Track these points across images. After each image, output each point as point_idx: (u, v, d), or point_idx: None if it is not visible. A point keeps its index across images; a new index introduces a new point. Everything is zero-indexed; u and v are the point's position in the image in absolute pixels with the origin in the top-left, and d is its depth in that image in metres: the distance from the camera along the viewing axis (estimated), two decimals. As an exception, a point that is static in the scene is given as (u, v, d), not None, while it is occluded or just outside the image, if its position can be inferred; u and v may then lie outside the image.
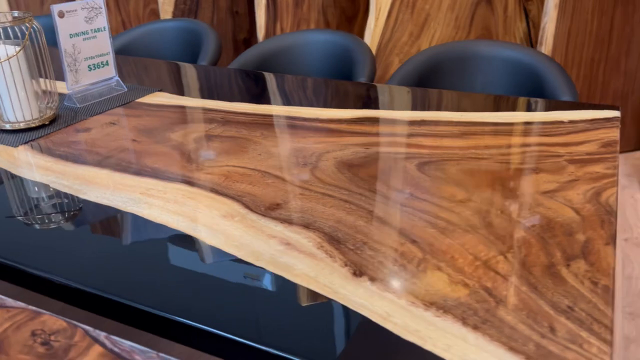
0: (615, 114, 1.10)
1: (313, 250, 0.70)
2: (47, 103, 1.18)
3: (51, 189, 0.89)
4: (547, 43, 2.19)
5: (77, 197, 0.86)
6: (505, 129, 1.04)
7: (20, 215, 0.82)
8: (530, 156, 0.93)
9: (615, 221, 0.74)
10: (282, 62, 1.83)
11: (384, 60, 2.45)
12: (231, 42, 3.20)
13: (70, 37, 1.21)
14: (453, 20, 2.42)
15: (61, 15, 1.18)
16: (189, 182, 0.89)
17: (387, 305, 0.60)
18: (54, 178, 0.92)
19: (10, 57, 1.06)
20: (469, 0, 2.40)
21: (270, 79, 1.43)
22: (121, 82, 1.34)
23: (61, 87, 1.33)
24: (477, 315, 0.58)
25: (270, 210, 0.80)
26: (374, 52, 2.41)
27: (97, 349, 0.56)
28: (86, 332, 0.58)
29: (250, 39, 3.28)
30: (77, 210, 0.83)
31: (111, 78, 1.32)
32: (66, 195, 0.87)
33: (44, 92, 1.17)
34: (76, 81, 1.24)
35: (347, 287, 0.64)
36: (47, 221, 0.80)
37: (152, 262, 0.70)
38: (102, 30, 1.27)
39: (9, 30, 1.09)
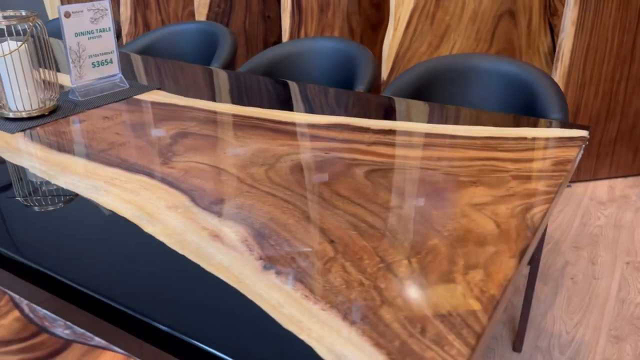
0: (583, 133, 1.10)
1: (236, 244, 0.76)
2: (48, 95, 1.28)
3: (28, 173, 0.98)
4: (563, 59, 2.16)
5: (47, 181, 0.95)
6: (464, 142, 1.07)
7: (-3, 195, 0.91)
8: (477, 170, 0.95)
9: (533, 237, 0.76)
10: (290, 66, 1.89)
11: (402, 70, 2.48)
12: (262, 45, 3.30)
13: (76, 36, 1.32)
14: (474, 33, 2.42)
15: (67, 15, 1.29)
16: (151, 175, 0.96)
17: (281, 297, 0.65)
18: (36, 163, 1.02)
19: (12, 51, 1.17)
20: (492, 13, 2.39)
21: (265, 83, 1.49)
22: (124, 79, 1.43)
23: (67, 81, 1.44)
24: (359, 312, 0.62)
25: (213, 204, 0.86)
26: (391, 61, 2.44)
27: (15, 313, 0.64)
28: (11, 299, 0.65)
29: (280, 42, 3.37)
30: (42, 192, 0.91)
31: (114, 75, 1.42)
32: (39, 179, 0.96)
33: (47, 84, 1.28)
34: (80, 76, 1.35)
35: (252, 278, 0.69)
36: (9, 198, 0.89)
37: (90, 242, 0.77)
38: (107, 31, 1.37)
39: (19, 27, 1.20)
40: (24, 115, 1.23)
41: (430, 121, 1.17)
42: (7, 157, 1.04)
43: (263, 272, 0.70)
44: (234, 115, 1.23)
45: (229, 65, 1.96)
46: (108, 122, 1.21)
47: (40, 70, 1.26)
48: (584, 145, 1.06)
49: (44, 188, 0.92)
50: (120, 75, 1.43)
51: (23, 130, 1.17)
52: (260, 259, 0.72)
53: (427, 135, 1.10)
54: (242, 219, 0.82)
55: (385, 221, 0.81)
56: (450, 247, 0.74)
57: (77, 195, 0.90)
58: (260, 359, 0.56)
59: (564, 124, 1.15)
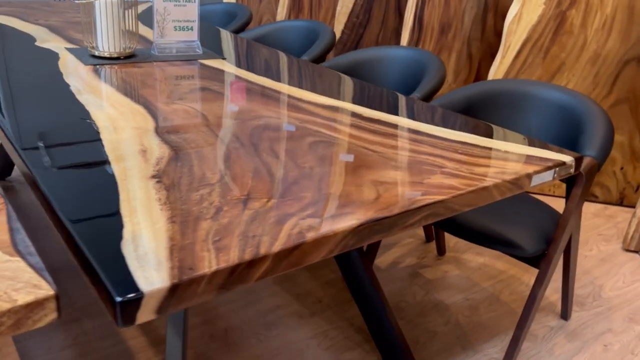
0: (564, 158, 1.03)
1: (150, 158, 0.89)
2: (129, 44, 1.55)
3: (70, 89, 1.22)
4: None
5: (74, 96, 1.18)
6: (432, 141, 1.07)
7: (19, 90, 1.16)
8: (413, 160, 0.96)
9: (385, 214, 0.77)
10: (367, 69, 1.98)
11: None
12: (392, 60, 3.40)
13: (163, 1, 1.57)
14: (592, 76, 2.25)
15: (159, -18, 1.55)
16: (147, 107, 1.14)
17: (141, 194, 0.77)
18: (78, 83, 1.26)
19: None
20: (617, 57, 2.20)
21: (320, 71, 1.61)
22: (200, 46, 1.66)
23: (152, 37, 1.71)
24: (184, 218, 0.71)
25: (167, 132, 1.00)
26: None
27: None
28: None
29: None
30: (59, 97, 1.14)
31: (192, 41, 1.65)
32: (70, 94, 1.19)
33: (130, 34, 1.55)
34: (161, 35, 1.60)
35: (136, 178, 0.81)
36: (28, 100, 1.13)
37: (61, 128, 0.96)
38: (192, 2, 1.61)
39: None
40: (105, 54, 1.50)
41: (423, 120, 1.19)
42: (64, 78, 1.31)
43: (148, 180, 0.82)
44: (262, 87, 1.37)
45: (317, 60, 2.10)
46: (157, 72, 1.42)
47: (127, 21, 1.53)
48: (556, 169, 1.00)
49: (68, 101, 1.15)
50: (198, 42, 1.66)
51: (95, 65, 1.44)
52: (154, 172, 0.85)
53: (408, 130, 1.12)
54: (176, 145, 0.95)
55: (286, 174, 0.87)
56: (310, 200, 0.79)
57: (84, 109, 1.11)
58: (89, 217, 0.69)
59: (555, 148, 1.08)
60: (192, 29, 1.64)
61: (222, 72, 1.48)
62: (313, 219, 0.74)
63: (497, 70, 2.33)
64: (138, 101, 1.16)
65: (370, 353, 1.43)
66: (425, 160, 0.97)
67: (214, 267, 0.62)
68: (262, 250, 0.66)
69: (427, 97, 1.70)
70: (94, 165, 0.85)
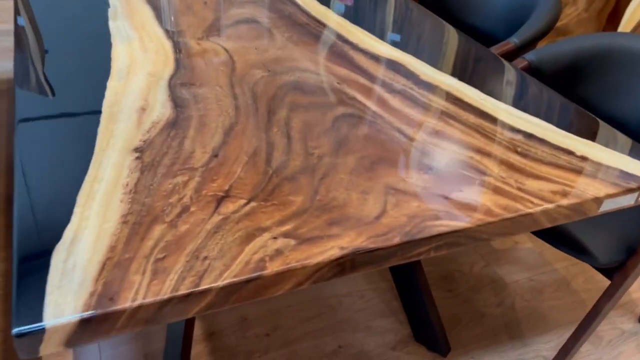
0: (661, 178, 0.78)
1: (145, 121, 0.79)
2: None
3: (107, 11, 1.13)
4: None
5: (107, 21, 1.08)
6: (492, 128, 0.86)
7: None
8: (450, 158, 0.78)
9: (387, 246, 0.62)
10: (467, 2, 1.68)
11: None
12: None
13: None
14: None
15: None
16: (175, 43, 1.02)
17: (111, 169, 0.68)
18: (118, 6, 1.16)
19: None
20: None
21: (413, 10, 1.37)
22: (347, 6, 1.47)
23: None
24: (135, 211, 0.62)
25: (181, 84, 0.89)
26: (631, 26, 1.95)
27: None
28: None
29: None
30: (92, 24, 1.05)
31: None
32: (104, 17, 1.10)
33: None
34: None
35: (118, 143, 0.72)
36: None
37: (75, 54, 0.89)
38: None
39: None
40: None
41: (495, 93, 0.97)
42: (112, -6, 1.22)
43: (128, 153, 0.73)
44: (337, 36, 1.19)
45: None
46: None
47: None
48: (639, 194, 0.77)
49: (96, 19, 1.07)
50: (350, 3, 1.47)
51: (149, -22, 1.33)
52: (140, 143, 0.75)
53: (467, 106, 0.92)
54: (181, 105, 0.84)
55: (286, 163, 0.74)
56: (296, 209, 0.66)
57: (109, 41, 1.02)
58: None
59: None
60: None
61: (306, 15, 1.31)
62: (287, 239, 0.62)
63: (636, 11, 1.90)
64: (171, 35, 1.05)
65: (404, 324, 1.34)
66: (468, 161, 0.78)
67: (139, 301, 0.53)
68: (206, 282, 0.56)
69: (528, 44, 1.41)
70: (80, 120, 0.77)
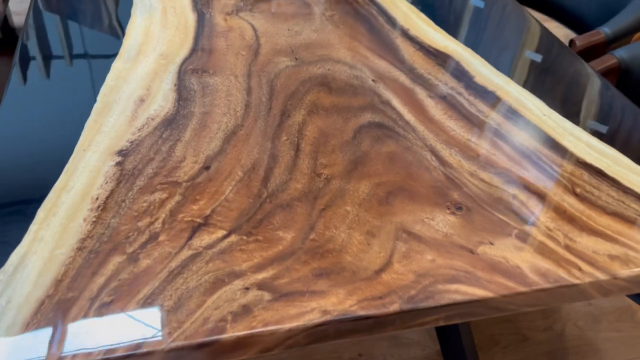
0: None
1: (142, 118, 0.70)
2: None
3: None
4: None
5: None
6: (538, 149, 0.70)
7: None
8: (488, 194, 0.63)
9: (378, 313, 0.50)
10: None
11: None
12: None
13: None
14: None
15: None
16: (200, 17, 0.91)
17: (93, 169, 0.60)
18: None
19: None
20: None
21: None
22: None
23: None
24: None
25: (192, 70, 0.79)
26: None
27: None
28: None
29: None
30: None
31: None
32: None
33: None
34: None
35: (114, 129, 0.64)
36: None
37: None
38: None
39: None
40: None
41: (562, 111, 0.79)
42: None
43: (109, 157, 0.64)
44: (387, 17, 1.04)
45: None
46: None
47: None
48: None
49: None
50: None
51: None
52: (126, 145, 0.66)
53: (521, 124, 0.75)
54: (185, 97, 0.74)
55: (284, 185, 0.63)
56: (282, 249, 0.55)
57: (128, 11, 0.92)
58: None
59: None
60: None
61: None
62: (261, 292, 0.52)
63: None
64: (199, 6, 0.94)
65: (434, 339, 1.22)
66: (509, 200, 0.63)
67: (66, 360, 0.45)
68: (149, 343, 0.47)
69: (621, 37, 1.19)
70: (69, 109, 0.69)
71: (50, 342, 0.46)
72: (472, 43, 0.94)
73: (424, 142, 0.71)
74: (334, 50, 0.87)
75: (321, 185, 0.63)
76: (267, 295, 0.51)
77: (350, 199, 0.62)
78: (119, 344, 0.46)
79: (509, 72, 0.86)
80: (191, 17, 0.91)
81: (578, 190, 0.66)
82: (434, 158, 0.69)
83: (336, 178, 0.64)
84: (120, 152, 0.64)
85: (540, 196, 0.65)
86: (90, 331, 0.47)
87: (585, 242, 0.60)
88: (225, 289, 0.51)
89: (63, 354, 0.45)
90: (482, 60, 0.88)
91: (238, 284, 0.52)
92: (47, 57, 0.81)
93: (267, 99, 0.76)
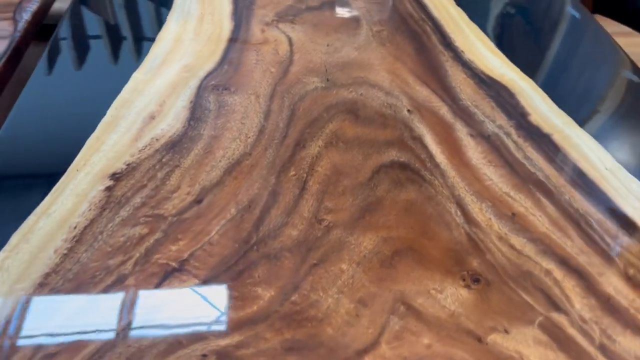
0: None
1: (146, 138, 0.65)
2: None
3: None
4: None
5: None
6: (596, 215, 0.58)
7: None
8: (516, 259, 0.53)
9: None
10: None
11: None
12: None
13: None
14: None
15: None
16: (236, 26, 0.86)
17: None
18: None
19: None
20: None
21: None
22: None
23: None
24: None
25: (214, 87, 0.73)
26: None
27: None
28: None
29: None
30: None
31: None
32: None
33: None
34: None
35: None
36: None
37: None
38: None
39: None
40: None
41: (630, 167, 0.66)
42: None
43: (101, 180, 0.60)
44: (442, 36, 0.94)
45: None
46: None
47: None
48: None
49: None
50: None
51: None
52: (122, 167, 0.62)
53: (575, 176, 0.64)
54: (197, 117, 0.69)
55: (277, 231, 0.56)
56: (257, 311, 0.48)
57: (165, 11, 0.89)
58: None
59: None
60: None
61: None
62: (220, 361, 0.45)
63: None
64: (237, 14, 0.89)
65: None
66: (540, 277, 0.52)
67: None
68: (82, 409, 0.42)
69: None
70: (74, 124, 0.66)
71: (-19, 393, 0.42)
72: (537, 73, 0.82)
73: (452, 192, 0.61)
74: (372, 72, 0.79)
75: (319, 235, 0.56)
76: (221, 369, 0.45)
77: (349, 255, 0.54)
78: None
79: (575, 112, 0.74)
80: (227, 27, 0.86)
81: (632, 272, 0.54)
82: (459, 212, 0.59)
83: (339, 227, 0.57)
84: (113, 176, 0.60)
85: (582, 275, 0.53)
86: (28, 384, 0.43)
87: (627, 343, 0.48)
88: (181, 354, 0.46)
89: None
90: (544, 94, 0.76)
91: (197, 348, 0.46)
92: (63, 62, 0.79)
93: (285, 125, 0.69)
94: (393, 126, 0.70)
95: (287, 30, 0.87)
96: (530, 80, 0.79)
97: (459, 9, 0.94)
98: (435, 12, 0.93)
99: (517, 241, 0.56)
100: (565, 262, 0.55)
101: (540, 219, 0.59)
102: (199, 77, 0.75)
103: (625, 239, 0.57)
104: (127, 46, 0.85)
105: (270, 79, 0.76)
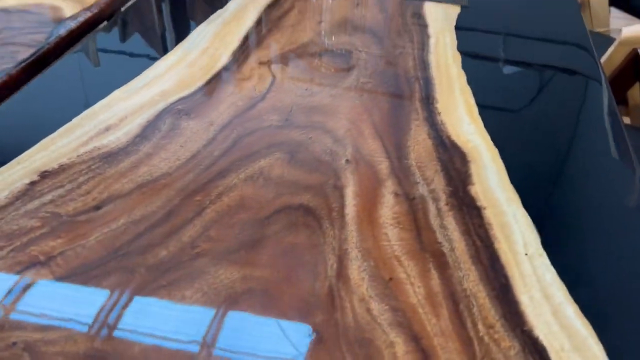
0: None
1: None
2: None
3: None
4: None
5: (200, 24, 1.03)
6: None
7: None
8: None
9: None
10: None
11: None
12: None
13: None
14: None
15: None
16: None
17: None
18: None
19: None
20: None
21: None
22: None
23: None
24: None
25: (174, 112, 0.78)
26: None
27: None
28: None
29: None
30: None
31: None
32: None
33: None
34: (404, -42, 1.22)
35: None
36: None
37: None
38: None
39: None
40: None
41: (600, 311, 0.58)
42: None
43: (36, 173, 0.66)
44: (424, 94, 0.92)
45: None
46: (352, 9, 1.11)
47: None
48: None
49: None
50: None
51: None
52: (57, 164, 0.67)
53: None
54: (144, 136, 0.73)
55: (151, 247, 0.57)
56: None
57: (187, 39, 0.96)
58: None
59: None
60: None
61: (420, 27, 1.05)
62: (24, 352, 0.47)
63: None
64: (239, 52, 0.93)
65: None
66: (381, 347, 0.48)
67: None
68: None
69: None
70: (46, 122, 0.74)
71: None
72: (513, 145, 0.77)
73: (340, 245, 0.59)
74: (334, 119, 0.79)
75: (184, 259, 0.57)
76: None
77: (199, 285, 0.54)
78: None
79: (528, 192, 0.68)
80: (222, 61, 0.91)
81: (487, 367, 0.48)
82: (334, 266, 0.56)
83: (207, 256, 0.57)
84: (42, 173, 0.67)
85: (426, 357, 0.48)
86: None
87: None
88: (-5, 336, 0.49)
89: None
90: (503, 167, 0.71)
91: (10, 336, 0.49)
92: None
93: (220, 155, 0.71)
94: (323, 172, 0.69)
95: (276, 70, 0.90)
96: (496, 151, 0.73)
97: (462, 71, 0.91)
98: (434, 71, 0.90)
99: (377, 307, 0.53)
100: (416, 340, 0.50)
101: (416, 290, 0.54)
102: (168, 101, 0.81)
103: (499, 331, 0.51)
104: (134, 65, 0.93)
105: (232, 111, 0.79)
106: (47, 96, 0.84)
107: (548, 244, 0.60)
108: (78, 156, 0.70)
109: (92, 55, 0.97)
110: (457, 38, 1.01)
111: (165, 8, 1.14)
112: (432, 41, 1.00)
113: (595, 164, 0.76)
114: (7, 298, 0.52)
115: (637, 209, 0.69)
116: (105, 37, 1.01)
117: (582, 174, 0.74)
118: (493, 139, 0.76)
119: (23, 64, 0.88)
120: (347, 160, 0.71)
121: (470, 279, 0.56)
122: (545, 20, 1.12)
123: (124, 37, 1.03)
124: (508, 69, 0.96)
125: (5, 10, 1.06)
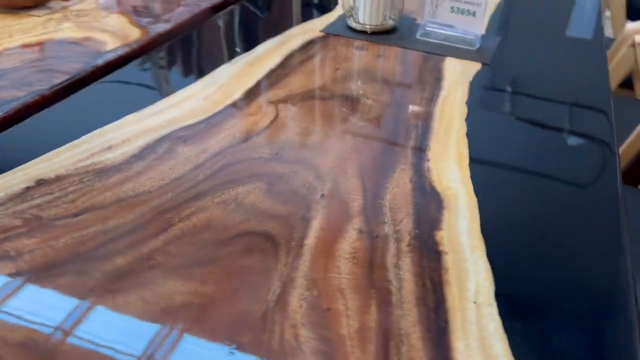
0: None
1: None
2: (391, 16, 1.28)
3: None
4: None
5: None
6: None
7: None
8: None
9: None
10: None
11: None
12: None
13: (445, -29, 1.19)
14: None
15: (442, -52, 1.16)
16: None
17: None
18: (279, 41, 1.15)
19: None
20: None
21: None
22: (479, 39, 1.21)
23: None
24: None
25: (173, 139, 0.83)
26: None
27: None
28: None
29: None
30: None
31: (470, 32, 1.21)
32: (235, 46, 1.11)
33: (392, 6, 1.27)
34: (432, 15, 1.24)
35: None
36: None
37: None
38: (482, -22, 1.16)
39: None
40: (367, 29, 1.29)
41: None
42: (283, 43, 1.21)
43: (34, 179, 0.72)
44: (419, 163, 0.92)
45: None
46: (372, 60, 1.14)
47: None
48: None
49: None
50: (478, 34, 1.21)
51: (329, 33, 1.27)
52: (55, 175, 0.73)
53: None
54: (138, 156, 0.78)
55: (111, 254, 0.60)
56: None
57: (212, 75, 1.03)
58: None
59: None
60: (474, 14, 1.21)
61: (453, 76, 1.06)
62: (-33, 333, 0.51)
63: None
64: (252, 91, 0.98)
65: None
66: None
67: None
68: None
69: None
70: (61, 137, 0.81)
71: None
72: (498, 194, 0.75)
73: (290, 272, 0.60)
74: (321, 156, 0.81)
75: (137, 269, 0.59)
76: (-33, 339, 0.51)
77: (143, 293, 0.56)
78: None
79: (496, 242, 0.66)
80: (234, 97, 0.97)
81: (398, 406, 0.46)
82: (277, 291, 0.57)
83: (160, 268, 0.59)
84: (39, 180, 0.73)
85: (340, 388, 0.47)
86: None
87: None
88: (-53, 316, 0.53)
89: None
90: (477, 216, 0.70)
91: (-38, 317, 0.53)
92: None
93: (202, 179, 0.75)
94: (295, 204, 0.71)
95: (282, 109, 0.94)
96: (474, 199, 0.72)
97: (464, 123, 0.91)
98: (436, 121, 0.91)
99: (306, 334, 0.52)
100: (334, 371, 0.49)
101: (350, 323, 0.54)
102: (172, 128, 0.86)
103: (422, 373, 0.49)
104: (155, 95, 1.00)
105: (227, 141, 0.83)
106: (72, 115, 0.92)
107: (502, 296, 0.58)
108: (75, 169, 0.75)
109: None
110: (469, 93, 1.01)
111: (194, 51, 1.23)
112: (442, 94, 1.01)
113: (575, 227, 0.73)
114: (-30, 285, 0.57)
115: (609, 285, 0.65)
116: (136, 70, 1.09)
117: (558, 233, 0.71)
118: (476, 189, 0.75)
119: (56, 87, 0.97)
120: (322, 195, 0.73)
121: (409, 319, 0.55)
122: (567, 79, 1.11)
123: (153, 71, 1.12)
124: (514, 126, 0.95)
125: (60, 42, 1.17)
